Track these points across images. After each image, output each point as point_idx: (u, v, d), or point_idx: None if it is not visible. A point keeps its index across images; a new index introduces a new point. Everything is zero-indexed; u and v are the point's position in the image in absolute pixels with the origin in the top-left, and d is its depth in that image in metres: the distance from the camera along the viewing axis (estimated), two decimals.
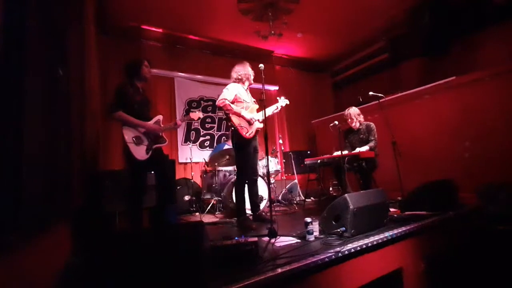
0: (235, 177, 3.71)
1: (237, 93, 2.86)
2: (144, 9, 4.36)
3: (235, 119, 2.78)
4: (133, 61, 2.62)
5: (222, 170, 4.19)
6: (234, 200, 3.61)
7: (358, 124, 3.75)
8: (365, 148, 3.51)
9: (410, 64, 5.09)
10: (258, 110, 2.99)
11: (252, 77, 3.01)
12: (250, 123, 2.84)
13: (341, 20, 5.04)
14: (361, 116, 3.78)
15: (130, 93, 2.47)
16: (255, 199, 2.98)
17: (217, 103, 2.84)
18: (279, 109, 3.17)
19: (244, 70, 2.95)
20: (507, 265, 2.33)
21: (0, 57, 0.91)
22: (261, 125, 2.89)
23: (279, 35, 4.76)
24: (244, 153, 2.83)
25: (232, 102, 2.82)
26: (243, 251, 1.57)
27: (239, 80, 2.96)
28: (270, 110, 3.08)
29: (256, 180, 3.02)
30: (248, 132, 2.80)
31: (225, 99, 2.76)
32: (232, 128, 2.80)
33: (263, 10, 4.50)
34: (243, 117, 2.81)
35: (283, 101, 3.21)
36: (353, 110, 3.78)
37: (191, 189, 4.32)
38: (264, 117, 2.48)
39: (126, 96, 2.43)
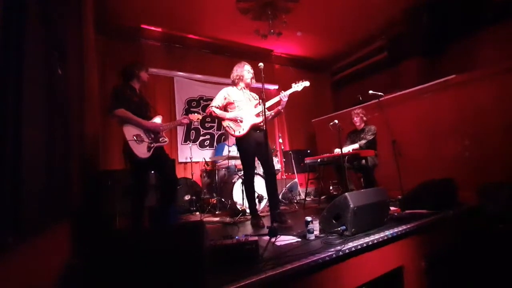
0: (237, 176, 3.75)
1: (226, 96, 2.87)
2: (143, 8, 4.35)
3: (223, 123, 2.85)
4: (134, 64, 2.64)
5: (222, 170, 4.19)
6: (235, 199, 3.63)
7: (363, 124, 3.82)
8: (352, 147, 3.60)
9: (409, 63, 5.09)
10: (256, 106, 2.88)
11: (246, 77, 2.89)
12: (236, 121, 2.78)
13: (340, 19, 5.04)
14: (366, 117, 3.87)
15: (127, 93, 2.49)
16: (272, 197, 2.77)
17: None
18: (285, 97, 2.75)
19: (235, 71, 2.92)
20: (507, 264, 2.33)
21: None
22: (258, 120, 2.78)
23: (279, 34, 4.75)
24: (241, 151, 2.85)
25: (226, 106, 2.87)
26: (244, 251, 1.58)
27: (233, 83, 2.96)
28: (272, 101, 2.86)
29: (273, 175, 2.78)
30: (237, 131, 2.77)
31: (211, 106, 2.84)
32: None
33: (262, 9, 4.49)
34: (227, 118, 2.82)
35: (301, 85, 2.80)
36: (360, 110, 3.88)
37: (191, 189, 4.32)
38: (263, 113, 2.44)
39: (124, 96, 2.44)
